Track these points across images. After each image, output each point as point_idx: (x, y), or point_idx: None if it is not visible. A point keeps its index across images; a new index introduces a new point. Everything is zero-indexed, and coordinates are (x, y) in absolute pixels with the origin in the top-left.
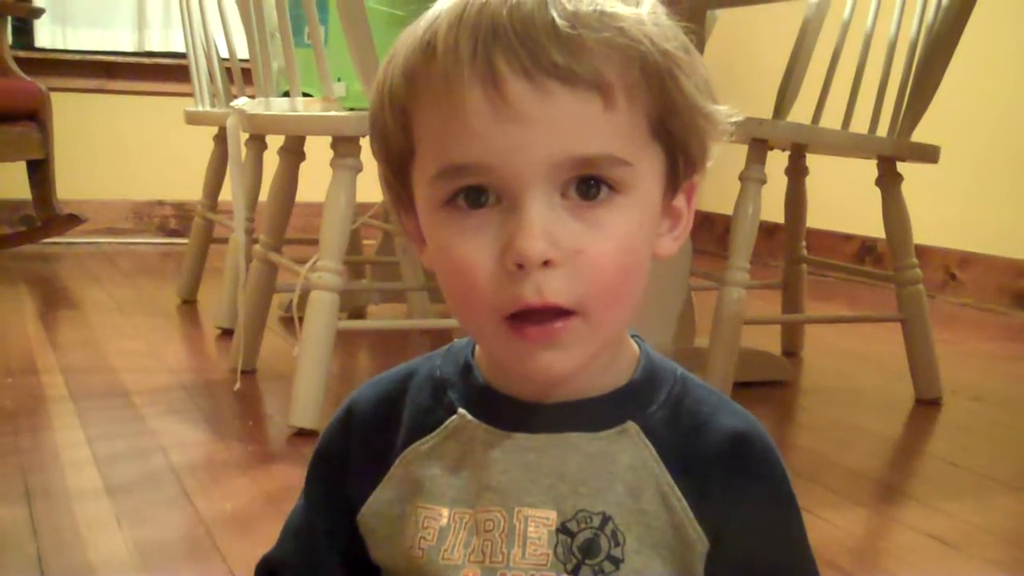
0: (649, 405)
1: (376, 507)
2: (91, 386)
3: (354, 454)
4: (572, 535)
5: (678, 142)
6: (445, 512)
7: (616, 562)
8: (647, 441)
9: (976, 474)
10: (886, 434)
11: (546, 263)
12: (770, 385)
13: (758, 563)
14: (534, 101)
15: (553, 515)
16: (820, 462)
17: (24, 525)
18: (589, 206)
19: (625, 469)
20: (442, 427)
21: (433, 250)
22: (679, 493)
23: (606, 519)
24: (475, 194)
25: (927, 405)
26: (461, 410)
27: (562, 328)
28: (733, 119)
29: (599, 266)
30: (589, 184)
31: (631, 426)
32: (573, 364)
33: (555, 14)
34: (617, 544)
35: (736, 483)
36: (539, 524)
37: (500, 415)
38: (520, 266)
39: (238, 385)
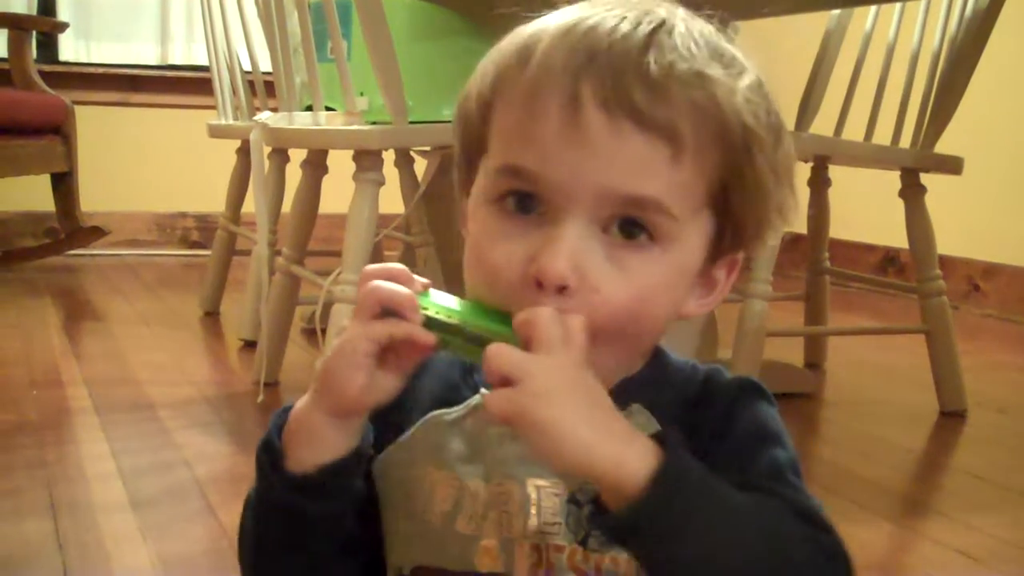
0: (659, 390)
1: (392, 460)
2: (115, 398)
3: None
4: (580, 506)
5: (733, 215)
6: (459, 483)
7: None
8: (652, 418)
9: (1002, 487)
10: (910, 447)
11: (562, 289)
12: (793, 397)
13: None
14: (605, 133)
15: (563, 486)
16: (844, 475)
17: (50, 538)
18: (623, 247)
19: None
20: (464, 404)
21: (469, 237)
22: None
23: None
24: (525, 200)
25: (952, 417)
26: (484, 390)
27: None
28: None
29: (609, 307)
30: (632, 225)
31: (637, 408)
32: None
33: (651, 59)
34: None
35: (724, 425)
36: (550, 495)
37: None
38: (539, 284)
39: (261, 397)
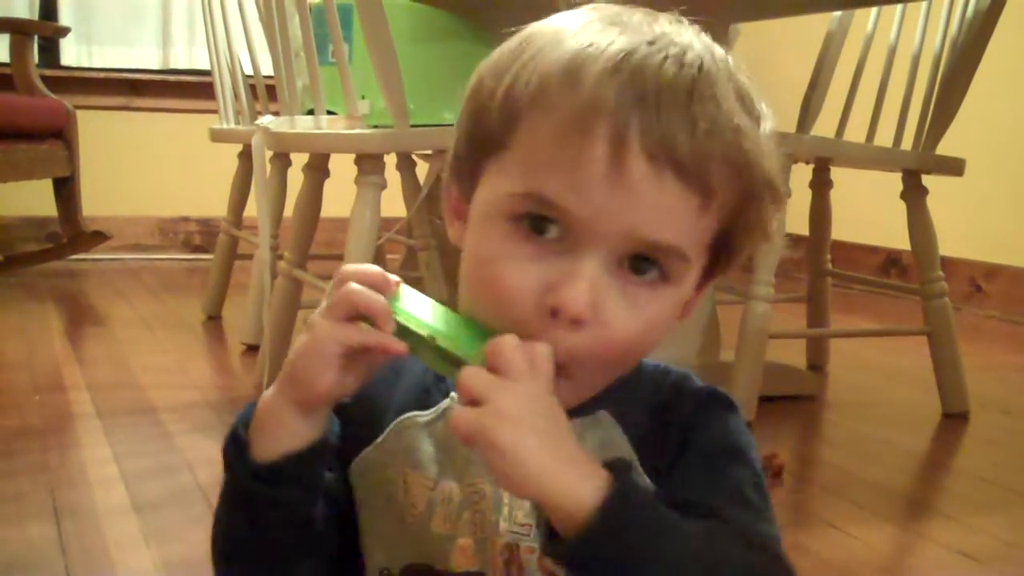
0: (628, 396)
1: (368, 462)
2: (118, 403)
3: (357, 406)
4: None
5: (731, 252)
6: (433, 483)
7: None
8: (616, 425)
9: (1005, 489)
10: (913, 448)
11: (577, 322)
12: (796, 399)
13: (689, 501)
14: (646, 180)
15: None
16: (846, 477)
17: (53, 543)
18: (636, 283)
19: (593, 448)
20: (436, 407)
21: (474, 248)
22: (640, 469)
23: None
24: (543, 222)
25: (954, 419)
26: (453, 394)
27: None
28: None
29: (615, 341)
30: (644, 262)
31: (603, 415)
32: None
33: (697, 111)
34: None
35: (689, 434)
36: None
37: None
38: (555, 312)
39: None
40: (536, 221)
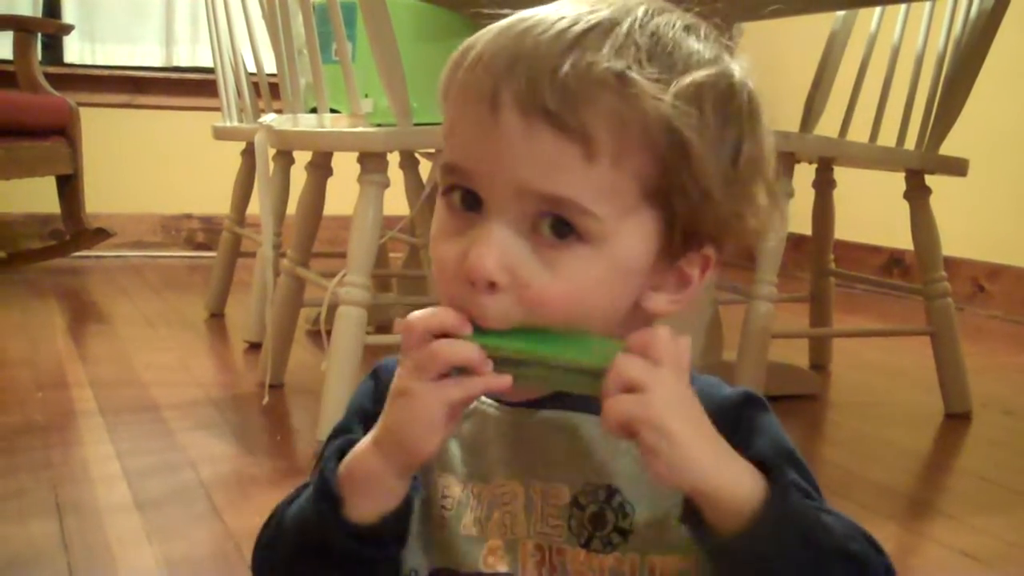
0: None
1: None
2: (120, 400)
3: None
4: (583, 508)
5: (679, 215)
6: (460, 485)
7: (624, 534)
8: None
9: (1008, 489)
10: (916, 448)
11: (492, 286)
12: (798, 399)
13: None
14: (520, 133)
15: (565, 489)
16: (849, 477)
17: (55, 540)
18: (553, 246)
19: (631, 444)
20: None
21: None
22: None
23: (612, 492)
24: (471, 199)
25: (957, 419)
26: (484, 397)
27: None
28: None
29: (542, 303)
30: (561, 225)
31: None
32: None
33: (569, 61)
34: (625, 516)
35: (737, 440)
36: (553, 497)
37: (513, 398)
38: (471, 280)
39: (266, 399)
40: (465, 197)
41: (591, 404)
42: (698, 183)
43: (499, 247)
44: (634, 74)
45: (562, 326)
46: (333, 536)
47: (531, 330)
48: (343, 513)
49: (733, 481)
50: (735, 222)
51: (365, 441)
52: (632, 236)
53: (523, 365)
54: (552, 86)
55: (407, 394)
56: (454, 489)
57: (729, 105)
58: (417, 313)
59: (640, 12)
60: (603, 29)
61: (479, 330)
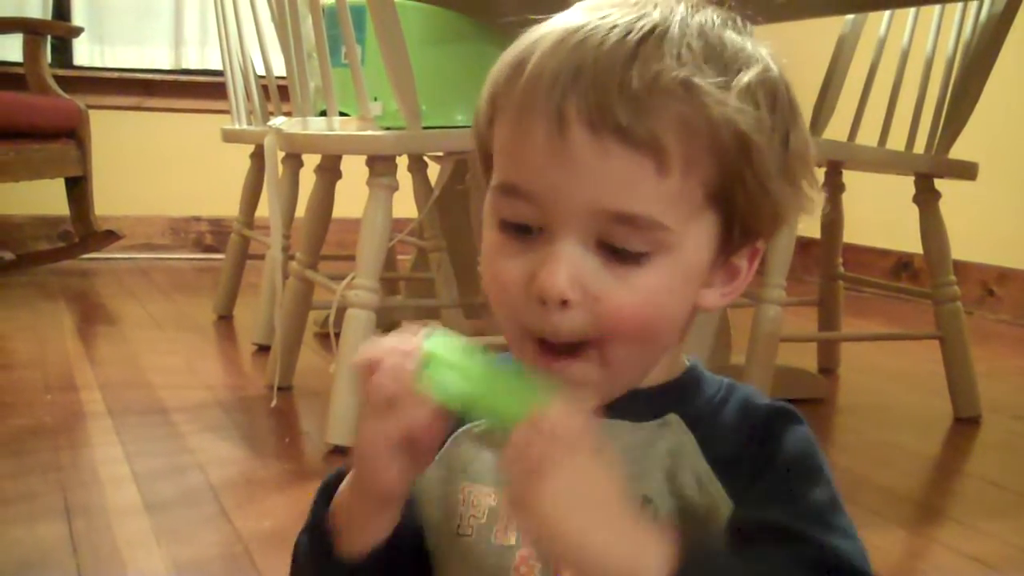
0: (693, 400)
1: (424, 483)
2: (129, 402)
3: None
4: None
5: (738, 213)
6: (492, 494)
7: None
8: (687, 430)
9: (1017, 494)
10: (924, 453)
11: (564, 303)
12: (806, 403)
13: (770, 523)
14: (590, 151)
15: None
16: (857, 481)
17: (64, 542)
18: (621, 259)
19: (663, 455)
20: None
21: (482, 248)
22: (713, 476)
23: (647, 501)
24: (522, 231)
25: (966, 423)
26: None
27: (575, 366)
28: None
29: (617, 316)
30: (631, 238)
31: (672, 418)
32: (589, 400)
33: (635, 73)
34: None
35: (762, 453)
36: None
37: None
38: (541, 299)
39: (275, 402)
40: (517, 230)
41: (628, 412)
42: (759, 180)
43: (569, 264)
44: (699, 80)
45: (633, 342)
46: (330, 573)
47: (487, 363)
48: (334, 552)
49: (631, 565)
50: (790, 214)
51: (348, 476)
52: (697, 240)
53: (465, 405)
54: (622, 101)
55: (358, 429)
56: (485, 498)
57: (776, 99)
58: (369, 347)
59: (682, 11)
60: (658, 35)
61: (433, 360)
